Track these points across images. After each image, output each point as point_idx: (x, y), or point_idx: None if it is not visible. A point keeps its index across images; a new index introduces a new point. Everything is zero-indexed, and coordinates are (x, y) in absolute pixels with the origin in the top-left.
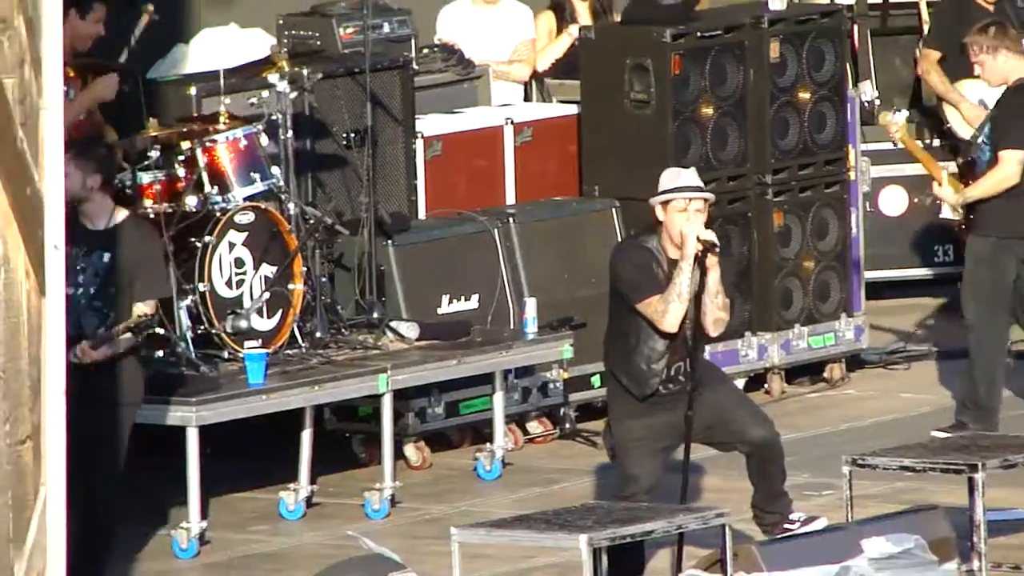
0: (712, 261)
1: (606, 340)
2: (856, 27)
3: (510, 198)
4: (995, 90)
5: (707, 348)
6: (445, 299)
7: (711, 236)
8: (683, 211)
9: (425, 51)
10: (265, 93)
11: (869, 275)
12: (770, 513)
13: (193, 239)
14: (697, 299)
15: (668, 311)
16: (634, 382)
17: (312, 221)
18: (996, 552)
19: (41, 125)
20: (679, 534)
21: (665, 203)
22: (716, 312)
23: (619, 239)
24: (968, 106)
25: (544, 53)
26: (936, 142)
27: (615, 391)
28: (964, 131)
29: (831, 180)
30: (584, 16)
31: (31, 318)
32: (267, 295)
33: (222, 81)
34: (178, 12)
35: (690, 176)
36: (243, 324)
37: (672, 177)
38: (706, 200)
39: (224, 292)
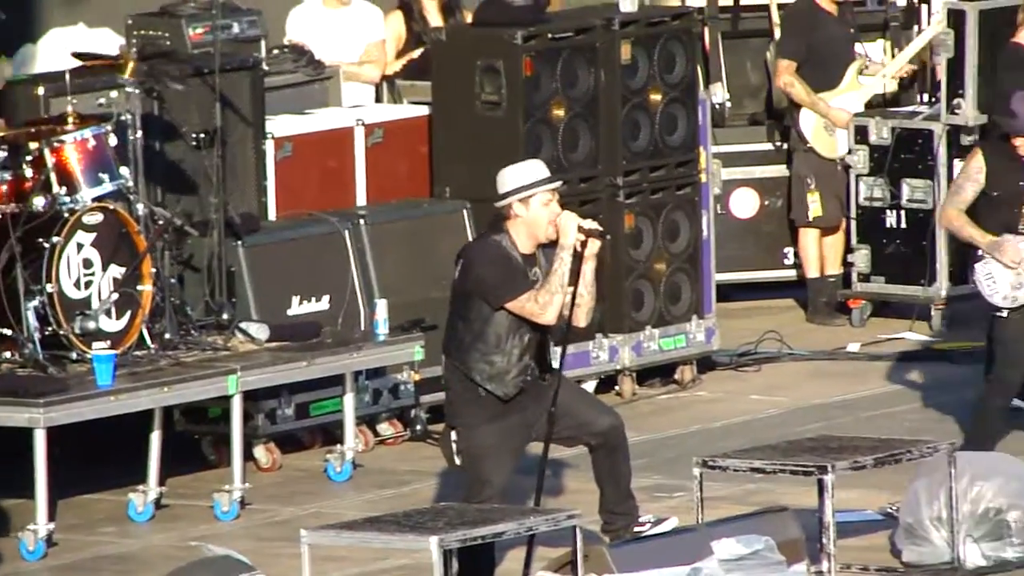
0: (591, 250)
1: (456, 346)
2: (707, 29)
3: (361, 199)
4: (858, 102)
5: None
6: (295, 300)
7: (594, 224)
8: (548, 204)
9: (275, 52)
10: (114, 93)
11: (720, 277)
12: (620, 515)
13: (41, 240)
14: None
15: (552, 303)
16: (497, 383)
17: (161, 222)
18: (845, 553)
19: None
20: (530, 535)
21: (525, 199)
22: (590, 302)
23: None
24: (837, 113)
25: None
26: (785, 145)
27: (466, 397)
28: (818, 141)
29: (682, 182)
30: (434, 16)
31: None
32: (116, 296)
33: (68, 81)
34: (26, 12)
35: (543, 167)
36: (91, 325)
37: (524, 172)
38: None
39: (72, 293)
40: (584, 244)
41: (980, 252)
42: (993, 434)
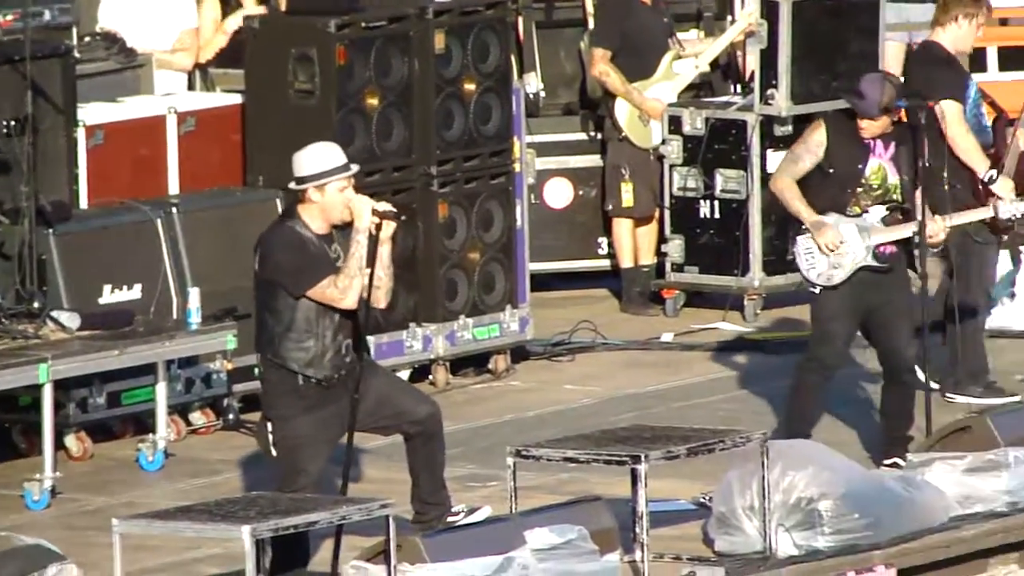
0: (386, 232)
1: (267, 339)
2: (521, 19)
3: (173, 188)
4: (672, 92)
5: (372, 339)
6: (107, 289)
7: (387, 206)
8: (343, 190)
9: (87, 39)
10: None
11: (534, 267)
12: (433, 505)
13: None
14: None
15: (352, 287)
16: (316, 367)
17: None
18: (658, 543)
19: None
20: (338, 526)
21: (321, 186)
22: (389, 283)
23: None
24: (651, 103)
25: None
26: (599, 135)
27: (281, 388)
28: (632, 130)
29: (496, 172)
30: (250, 3)
31: None
32: None
33: None
34: None
35: (339, 152)
36: None
37: (321, 158)
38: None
39: None
40: (379, 227)
41: (803, 226)
42: (809, 415)
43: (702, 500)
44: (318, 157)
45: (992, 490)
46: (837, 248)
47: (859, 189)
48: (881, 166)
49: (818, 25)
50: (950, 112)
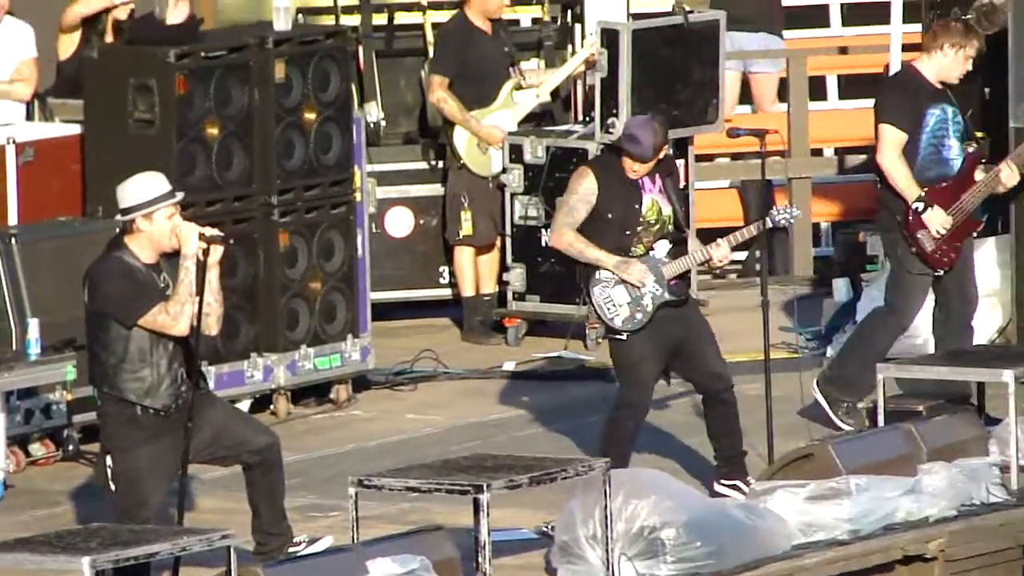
0: (214, 257)
1: (101, 373)
2: (361, 48)
3: (12, 218)
4: (512, 120)
5: (212, 369)
6: None
7: (214, 231)
8: (171, 217)
9: None
10: None
11: (375, 296)
12: (275, 536)
13: None
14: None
15: (182, 313)
16: (153, 397)
17: None
18: (501, 572)
19: None
20: (176, 557)
21: (148, 214)
22: (219, 309)
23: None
24: (489, 130)
25: None
26: (440, 164)
27: (119, 419)
28: (470, 158)
29: (337, 201)
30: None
31: None
32: None
33: None
34: None
35: (163, 180)
36: None
37: (146, 187)
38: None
39: None
40: (207, 252)
41: (597, 276)
42: (626, 457)
43: (544, 529)
44: (142, 187)
45: (833, 518)
46: (646, 281)
47: (639, 228)
48: (654, 200)
49: (658, 53)
50: (884, 137)
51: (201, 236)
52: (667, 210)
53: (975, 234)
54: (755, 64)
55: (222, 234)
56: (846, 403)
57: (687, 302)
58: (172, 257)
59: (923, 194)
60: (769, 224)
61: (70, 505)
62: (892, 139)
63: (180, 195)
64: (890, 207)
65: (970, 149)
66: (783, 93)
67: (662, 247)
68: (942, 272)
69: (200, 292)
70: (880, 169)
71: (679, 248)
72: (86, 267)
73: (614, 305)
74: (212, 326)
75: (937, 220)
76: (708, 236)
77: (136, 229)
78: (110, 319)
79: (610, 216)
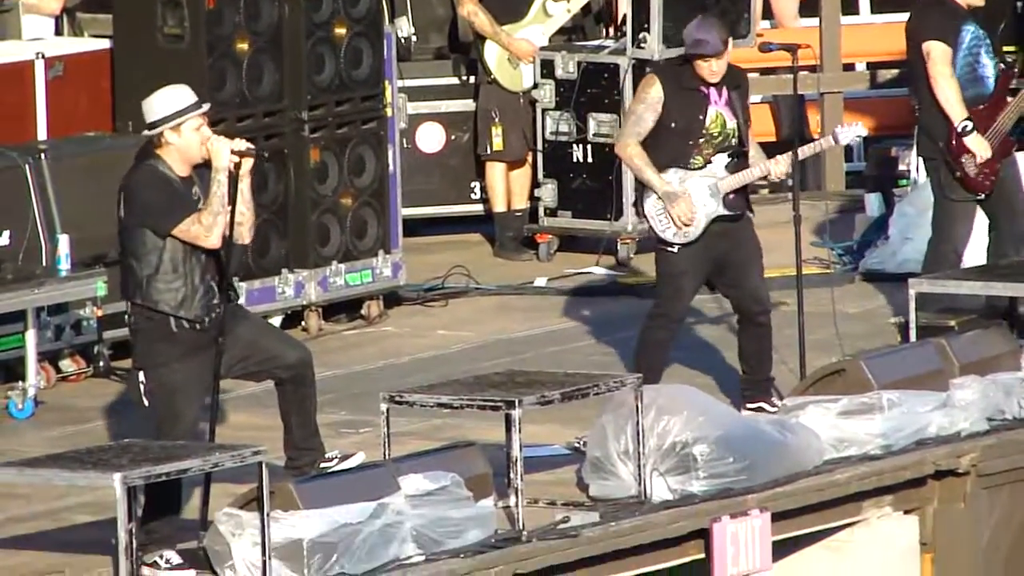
0: (245, 168)
1: (136, 286)
2: None
3: (42, 133)
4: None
5: (243, 285)
6: None
7: (244, 144)
8: (199, 129)
9: None
10: None
11: (407, 212)
12: (306, 451)
13: None
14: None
15: (216, 224)
16: (186, 308)
17: None
18: (532, 488)
19: None
20: (207, 473)
21: (177, 126)
22: (251, 218)
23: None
24: (519, 44)
25: None
26: (471, 79)
27: (152, 334)
28: (501, 73)
29: (368, 116)
30: None
31: None
32: None
33: None
34: None
35: (190, 92)
36: None
37: (173, 99)
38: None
39: None
40: (238, 165)
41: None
42: (659, 368)
43: (576, 445)
44: (168, 99)
45: (866, 433)
46: (691, 220)
47: (701, 140)
48: (719, 113)
49: None
50: (933, 52)
51: (232, 150)
52: (731, 123)
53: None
54: None
55: (253, 147)
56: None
57: (742, 218)
58: (200, 168)
59: (969, 116)
60: (832, 142)
61: (100, 421)
62: (941, 55)
63: (207, 106)
64: (931, 132)
65: (1002, 66)
66: (804, 8)
67: (720, 161)
68: (983, 196)
69: (232, 202)
70: (919, 91)
71: (739, 163)
72: (116, 183)
73: (666, 217)
74: (244, 235)
75: (979, 145)
76: None
77: (164, 142)
78: (144, 229)
79: (673, 126)
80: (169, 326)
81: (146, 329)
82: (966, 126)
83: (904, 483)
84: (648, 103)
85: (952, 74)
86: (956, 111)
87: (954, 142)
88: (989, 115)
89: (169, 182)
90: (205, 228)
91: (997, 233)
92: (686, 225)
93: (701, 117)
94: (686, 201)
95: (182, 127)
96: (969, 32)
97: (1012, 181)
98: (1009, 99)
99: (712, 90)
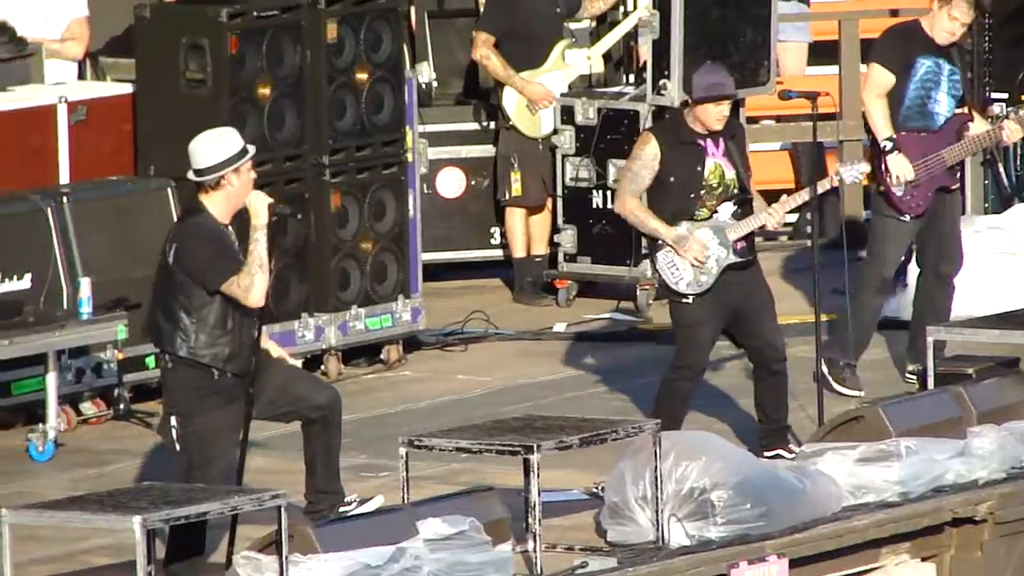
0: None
1: (179, 333)
2: (413, 8)
3: (64, 177)
4: (562, 82)
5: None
6: None
7: (282, 206)
8: (250, 171)
9: None
10: None
11: (427, 257)
12: (328, 494)
13: None
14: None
15: (255, 284)
16: (233, 362)
17: None
18: (551, 533)
19: None
20: (233, 515)
21: (237, 169)
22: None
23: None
24: (533, 87)
25: None
26: (491, 125)
27: (189, 383)
28: (520, 119)
29: (389, 161)
30: None
31: None
32: None
33: None
34: None
35: (237, 134)
36: None
37: (223, 143)
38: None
39: None
40: (276, 223)
41: (659, 242)
42: (680, 418)
43: (594, 490)
44: (222, 143)
45: (883, 480)
46: (704, 259)
47: (702, 192)
48: (717, 164)
49: (710, 14)
50: (870, 73)
51: (270, 208)
52: (730, 173)
53: (954, 188)
54: (784, 32)
55: (290, 209)
56: (842, 363)
57: (752, 265)
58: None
59: (893, 136)
60: (836, 181)
61: (121, 464)
62: (876, 78)
63: (252, 149)
64: (873, 149)
65: (959, 111)
66: (823, 56)
67: (726, 210)
68: (908, 219)
69: (271, 261)
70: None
71: (744, 210)
72: (137, 227)
73: (678, 269)
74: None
75: (899, 166)
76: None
77: (223, 185)
78: (193, 281)
79: (672, 180)
80: (212, 377)
81: (183, 378)
82: (887, 145)
83: (922, 530)
84: (644, 161)
85: (880, 95)
86: (879, 129)
87: (876, 159)
88: (928, 144)
89: (222, 236)
90: (243, 289)
91: (923, 274)
92: (701, 264)
93: (699, 169)
94: (696, 240)
95: (241, 169)
96: (924, 65)
97: (949, 221)
98: (969, 135)
99: (708, 142)
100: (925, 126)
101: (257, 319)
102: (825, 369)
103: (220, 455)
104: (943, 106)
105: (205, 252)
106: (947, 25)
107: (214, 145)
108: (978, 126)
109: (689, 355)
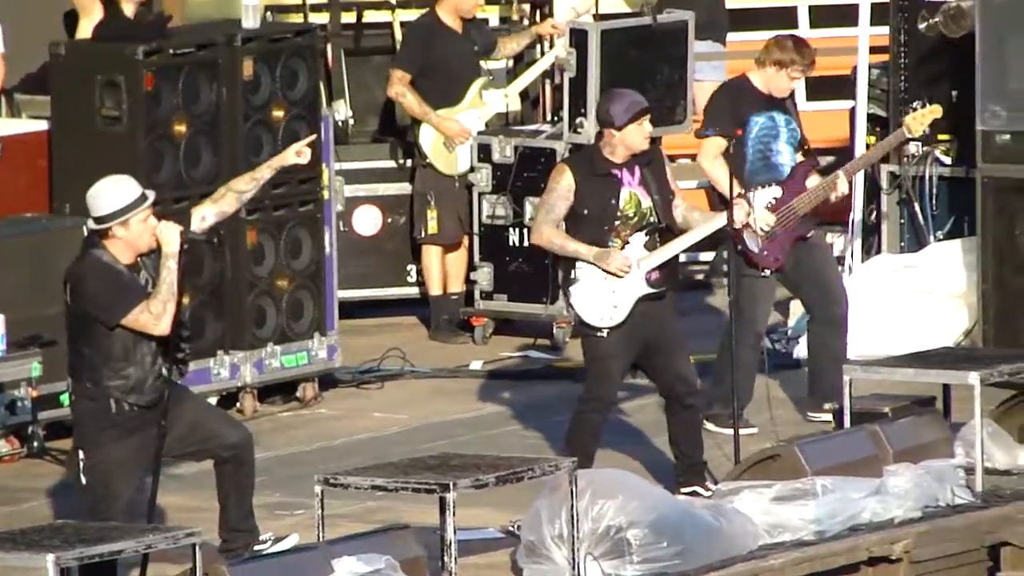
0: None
1: (84, 368)
2: (330, 46)
3: None
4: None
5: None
6: None
7: (193, 231)
8: (146, 220)
9: None
10: None
11: (343, 294)
12: (242, 532)
13: None
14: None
15: (164, 312)
16: (138, 394)
17: None
18: (467, 571)
19: None
20: (144, 554)
21: (125, 221)
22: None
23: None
24: (448, 124)
25: None
26: (408, 162)
27: (96, 415)
28: (437, 157)
29: (305, 199)
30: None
31: None
32: None
33: None
34: None
35: (134, 184)
36: None
37: (120, 194)
38: None
39: None
40: (186, 251)
41: (574, 275)
42: (591, 453)
43: (511, 529)
44: (115, 193)
45: (799, 518)
46: (630, 268)
47: (616, 223)
48: (632, 194)
49: (627, 53)
50: (703, 142)
51: (182, 235)
52: (646, 202)
53: (809, 237)
54: (700, 71)
55: (204, 235)
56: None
57: (664, 297)
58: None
59: (741, 191)
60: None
61: (35, 502)
62: (708, 146)
63: (152, 196)
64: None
65: (800, 158)
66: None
67: (637, 239)
68: (768, 273)
69: (182, 290)
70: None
71: (658, 240)
72: (53, 264)
73: (591, 303)
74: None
75: (759, 216)
76: None
77: (112, 235)
78: (93, 318)
79: (587, 212)
80: (112, 409)
81: (89, 410)
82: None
83: (838, 569)
84: (559, 192)
85: (716, 157)
86: (726, 189)
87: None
88: (780, 196)
89: (116, 273)
90: (155, 316)
91: (812, 320)
92: (627, 273)
93: (614, 202)
94: (618, 253)
95: (130, 221)
96: (758, 123)
97: (820, 266)
98: (811, 185)
99: (624, 172)
100: (771, 178)
101: (165, 349)
102: (711, 425)
103: (123, 489)
104: (785, 156)
105: (101, 290)
106: (786, 84)
107: (104, 196)
108: (813, 178)
109: (599, 388)
